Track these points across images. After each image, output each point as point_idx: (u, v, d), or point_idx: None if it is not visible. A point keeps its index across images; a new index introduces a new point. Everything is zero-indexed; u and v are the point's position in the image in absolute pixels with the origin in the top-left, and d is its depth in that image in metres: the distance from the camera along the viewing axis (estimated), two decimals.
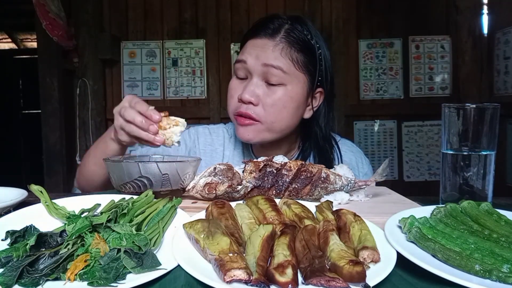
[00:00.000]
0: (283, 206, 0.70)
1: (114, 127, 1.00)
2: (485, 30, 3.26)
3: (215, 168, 0.84)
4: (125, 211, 0.65)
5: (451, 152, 0.81)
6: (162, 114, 0.91)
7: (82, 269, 0.50)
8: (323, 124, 1.20)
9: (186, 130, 1.31)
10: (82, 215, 0.64)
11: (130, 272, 0.50)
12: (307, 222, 0.62)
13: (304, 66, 1.11)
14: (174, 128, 0.91)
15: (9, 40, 5.45)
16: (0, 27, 5.13)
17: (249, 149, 1.26)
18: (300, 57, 1.10)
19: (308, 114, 1.17)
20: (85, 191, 1.17)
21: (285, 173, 0.83)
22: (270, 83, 1.09)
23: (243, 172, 0.85)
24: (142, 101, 0.93)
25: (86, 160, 1.14)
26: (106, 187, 1.12)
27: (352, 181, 0.86)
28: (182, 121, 0.93)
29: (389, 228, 0.61)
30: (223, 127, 1.33)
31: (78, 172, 1.19)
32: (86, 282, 0.48)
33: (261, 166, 0.84)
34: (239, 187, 0.81)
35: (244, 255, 0.52)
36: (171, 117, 0.93)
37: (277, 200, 0.73)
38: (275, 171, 0.84)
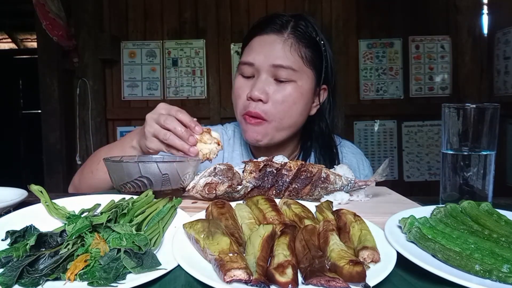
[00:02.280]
0: (283, 206, 0.70)
1: (136, 135, 1.00)
2: (485, 30, 3.26)
3: (215, 168, 0.84)
4: (125, 211, 0.65)
5: (451, 152, 0.81)
6: (204, 128, 0.93)
7: (82, 269, 0.49)
8: (329, 120, 1.19)
9: None
10: (82, 215, 0.64)
11: (130, 272, 0.50)
12: (307, 222, 0.62)
13: (311, 62, 1.11)
14: (213, 145, 0.92)
15: (9, 40, 5.45)
16: (0, 27, 5.13)
17: (248, 151, 1.24)
18: (307, 52, 1.10)
19: (313, 111, 1.17)
20: None
21: (285, 173, 0.83)
22: (279, 79, 1.08)
23: (243, 172, 0.85)
24: (185, 112, 0.93)
25: (95, 168, 1.07)
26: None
27: (352, 181, 0.86)
28: (220, 141, 0.94)
29: (389, 228, 0.61)
30: (221, 128, 1.31)
31: (81, 180, 1.12)
32: (86, 282, 0.48)
33: (261, 166, 0.84)
34: (239, 187, 0.81)
35: (244, 255, 0.52)
36: (213, 133, 0.94)
37: (277, 200, 0.73)
38: (275, 171, 0.84)
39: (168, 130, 0.90)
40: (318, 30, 1.14)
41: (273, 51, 1.08)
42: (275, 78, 1.08)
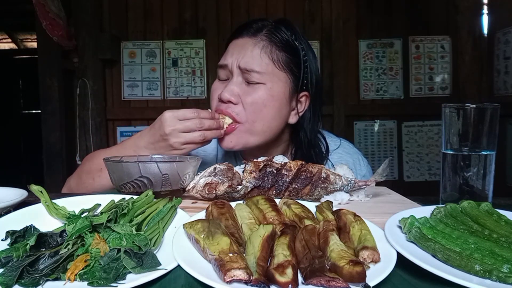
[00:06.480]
0: (283, 206, 0.70)
1: (149, 150, 1.03)
2: (485, 30, 3.26)
3: (215, 168, 0.84)
4: (125, 211, 0.65)
5: (451, 152, 0.81)
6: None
7: (82, 269, 0.50)
8: (308, 130, 1.16)
9: None
10: (82, 215, 0.64)
11: (130, 272, 0.50)
12: (307, 222, 0.62)
13: (286, 65, 1.10)
14: (228, 120, 1.09)
15: (9, 40, 5.45)
16: (0, 27, 5.13)
17: (239, 155, 1.23)
18: (281, 56, 1.09)
19: (293, 119, 1.15)
20: None
21: (285, 173, 0.83)
22: (250, 81, 1.08)
23: (243, 172, 0.85)
24: (198, 109, 1.04)
25: (97, 175, 1.08)
26: None
27: (352, 181, 0.86)
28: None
29: (389, 228, 0.61)
30: None
31: (79, 185, 1.12)
32: (86, 282, 0.48)
33: (261, 166, 0.84)
34: (239, 187, 0.81)
35: (244, 255, 0.52)
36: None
37: (277, 200, 0.73)
38: (275, 171, 0.84)
39: (204, 130, 1.02)
40: (298, 35, 1.13)
41: (241, 53, 1.09)
42: (246, 80, 1.09)
